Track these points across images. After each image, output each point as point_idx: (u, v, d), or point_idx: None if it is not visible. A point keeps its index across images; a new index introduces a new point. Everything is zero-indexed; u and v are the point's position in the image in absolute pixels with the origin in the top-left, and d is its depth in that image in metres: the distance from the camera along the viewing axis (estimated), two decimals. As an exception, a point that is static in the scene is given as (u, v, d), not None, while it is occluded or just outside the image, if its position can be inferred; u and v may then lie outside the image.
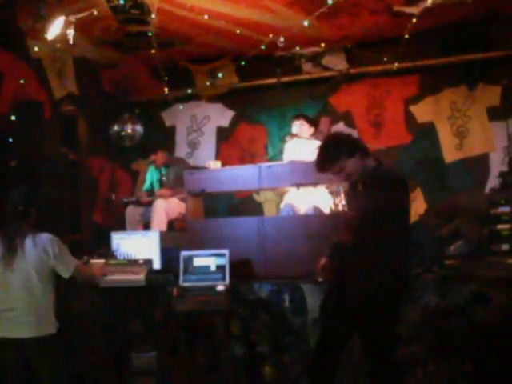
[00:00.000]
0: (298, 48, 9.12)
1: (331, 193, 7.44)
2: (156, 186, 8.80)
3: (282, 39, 8.01)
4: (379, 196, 4.23)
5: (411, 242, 4.46)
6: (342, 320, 4.45)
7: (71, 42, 7.11)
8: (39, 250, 4.86)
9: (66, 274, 5.01)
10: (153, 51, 8.19)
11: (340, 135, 4.64)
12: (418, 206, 9.12)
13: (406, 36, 8.00)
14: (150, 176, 8.95)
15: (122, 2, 6.95)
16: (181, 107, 10.24)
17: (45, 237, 4.93)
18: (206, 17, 7.72)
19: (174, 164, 8.76)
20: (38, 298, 4.87)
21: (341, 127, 9.54)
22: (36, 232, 4.95)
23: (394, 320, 4.38)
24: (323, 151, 4.44)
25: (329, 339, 4.54)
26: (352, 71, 9.37)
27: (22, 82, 7.89)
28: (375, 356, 4.34)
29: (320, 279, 4.64)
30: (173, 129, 10.60)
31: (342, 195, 7.69)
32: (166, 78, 8.94)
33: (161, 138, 10.21)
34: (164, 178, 8.70)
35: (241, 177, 7.37)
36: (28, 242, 4.86)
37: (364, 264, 4.30)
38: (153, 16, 7.29)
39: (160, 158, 8.74)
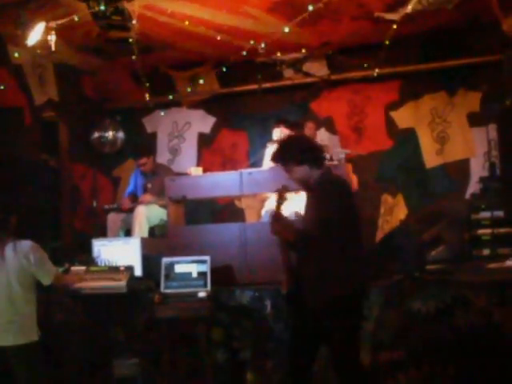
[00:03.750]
0: (279, 54, 9.14)
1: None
2: (139, 191, 8.77)
3: (262, 45, 8.01)
4: (318, 205, 4.39)
5: (363, 248, 4.48)
6: (305, 329, 4.48)
7: (52, 48, 7.08)
8: (20, 257, 4.84)
9: (46, 282, 5.00)
10: (134, 57, 8.16)
11: (299, 141, 4.68)
12: (399, 211, 9.16)
13: (387, 42, 8.03)
14: (135, 179, 8.91)
15: (102, 8, 6.92)
16: (162, 113, 10.24)
17: (25, 244, 4.91)
18: (186, 23, 7.72)
19: (160, 171, 8.72)
20: (19, 306, 4.85)
21: (322, 133, 9.56)
22: (16, 239, 4.92)
23: (352, 325, 4.39)
24: (278, 150, 4.59)
25: (298, 349, 4.57)
26: (333, 77, 9.40)
27: (1, 88, 7.86)
28: (340, 362, 4.40)
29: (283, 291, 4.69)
30: (154, 135, 10.58)
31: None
32: (147, 84, 8.92)
33: (143, 145, 10.17)
34: (149, 185, 8.65)
35: (222, 183, 7.37)
36: (8, 250, 4.84)
37: (314, 273, 4.38)
38: (134, 22, 7.27)
39: (150, 164, 8.70)
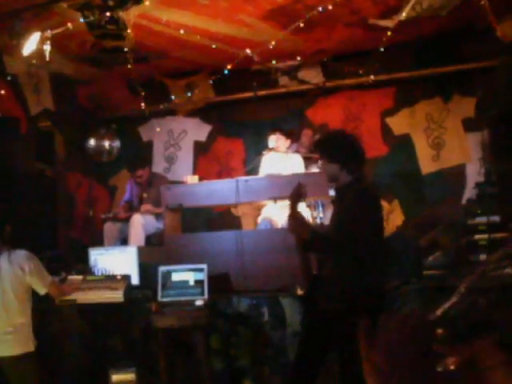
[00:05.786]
0: (274, 62, 9.14)
1: (309, 206, 7.46)
2: (135, 200, 8.75)
3: (257, 53, 8.02)
4: (345, 213, 4.39)
5: (387, 255, 4.48)
6: (318, 333, 4.46)
7: (47, 57, 7.08)
8: (15, 266, 4.82)
9: (41, 291, 4.98)
10: (129, 66, 8.17)
11: (340, 139, 4.60)
12: (395, 217, 9.16)
13: (381, 49, 8.05)
14: (130, 188, 8.89)
15: (97, 17, 6.93)
16: (158, 129, 10.24)
17: (20, 253, 4.90)
18: (181, 32, 7.73)
19: (156, 181, 8.70)
20: (15, 316, 4.84)
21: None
22: (11, 249, 4.91)
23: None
24: (320, 140, 4.77)
25: (306, 352, 4.55)
26: (328, 84, 9.40)
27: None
28: (347, 370, 4.34)
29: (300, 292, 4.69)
30: (150, 144, 10.58)
31: (320, 208, 7.72)
32: (143, 93, 8.92)
33: (139, 154, 10.16)
34: (145, 195, 8.64)
35: (218, 191, 7.38)
36: (3, 259, 4.82)
37: (331, 275, 4.40)
38: (129, 31, 7.27)
39: (146, 175, 8.69)
